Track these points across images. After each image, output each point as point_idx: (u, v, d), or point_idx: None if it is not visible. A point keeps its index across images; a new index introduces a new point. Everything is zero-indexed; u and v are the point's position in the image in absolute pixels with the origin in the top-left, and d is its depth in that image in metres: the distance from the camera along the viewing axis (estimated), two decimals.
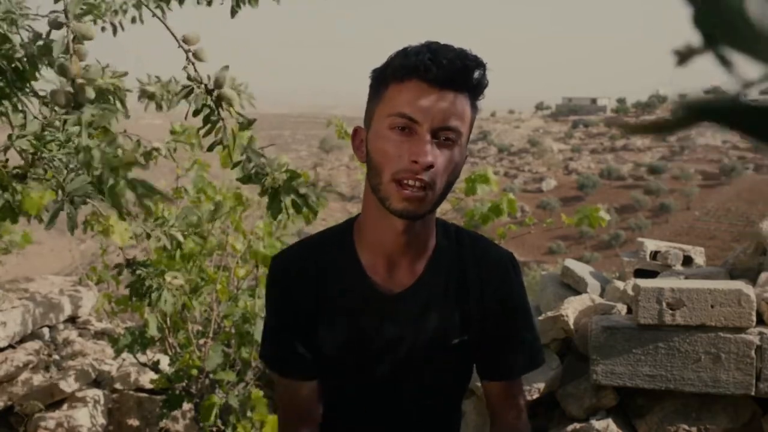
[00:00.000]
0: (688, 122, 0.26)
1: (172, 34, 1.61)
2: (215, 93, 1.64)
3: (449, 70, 0.97)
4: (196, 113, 1.63)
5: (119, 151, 1.39)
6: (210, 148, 1.70)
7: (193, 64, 1.64)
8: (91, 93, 1.42)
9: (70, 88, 1.39)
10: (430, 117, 0.98)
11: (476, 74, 1.00)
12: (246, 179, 1.68)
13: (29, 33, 1.59)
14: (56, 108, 1.44)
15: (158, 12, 1.81)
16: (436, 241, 1.15)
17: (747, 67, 0.25)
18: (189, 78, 1.66)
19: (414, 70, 0.98)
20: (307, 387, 1.15)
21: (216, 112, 1.64)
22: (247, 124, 1.67)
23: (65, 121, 1.38)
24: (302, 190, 1.67)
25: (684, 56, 0.27)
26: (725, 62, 0.25)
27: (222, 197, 3.28)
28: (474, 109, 1.04)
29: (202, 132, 1.67)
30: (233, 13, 1.86)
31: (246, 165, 1.67)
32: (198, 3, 1.82)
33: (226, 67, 1.99)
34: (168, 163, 2.36)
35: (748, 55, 0.25)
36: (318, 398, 1.16)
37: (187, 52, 1.63)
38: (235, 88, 2.13)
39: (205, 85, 1.63)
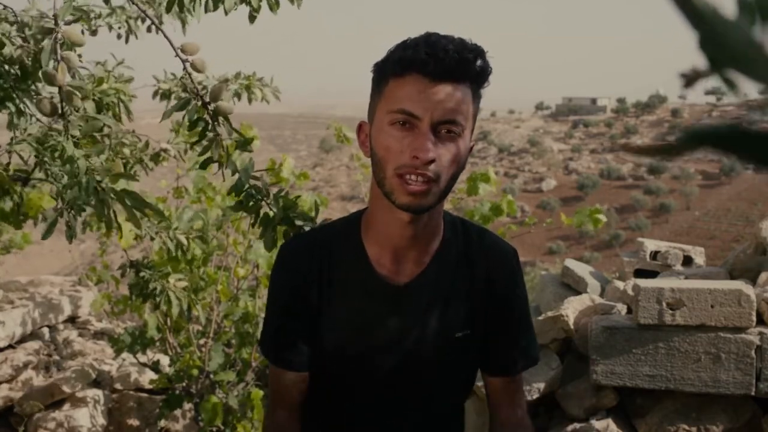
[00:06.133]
0: (690, 148, 0.26)
1: (170, 43, 1.54)
2: (211, 106, 1.55)
3: (447, 63, 0.96)
4: (191, 127, 1.56)
5: (104, 161, 1.35)
6: (203, 165, 1.60)
7: (190, 75, 1.56)
8: (78, 102, 1.34)
9: (56, 97, 1.33)
10: (430, 111, 0.97)
11: (477, 64, 0.99)
12: (239, 208, 1.58)
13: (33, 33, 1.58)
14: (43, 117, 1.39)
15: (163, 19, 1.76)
16: (444, 233, 1.14)
17: (752, 90, 0.26)
18: (185, 89, 1.58)
19: (412, 64, 0.97)
20: (296, 378, 1.15)
21: (212, 126, 1.56)
22: (243, 143, 1.58)
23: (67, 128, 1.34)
24: (298, 223, 1.56)
25: (690, 79, 0.27)
26: (731, 85, 0.26)
27: (221, 197, 3.28)
28: (477, 98, 1.03)
29: (197, 147, 1.58)
30: (252, 18, 1.71)
31: (239, 187, 1.55)
32: (206, 11, 1.65)
33: (225, 81, 1.96)
34: (169, 163, 2.36)
35: (754, 78, 0.25)
36: (305, 391, 1.17)
37: (184, 62, 1.55)
38: (257, 83, 2.08)
39: (201, 97, 1.54)
